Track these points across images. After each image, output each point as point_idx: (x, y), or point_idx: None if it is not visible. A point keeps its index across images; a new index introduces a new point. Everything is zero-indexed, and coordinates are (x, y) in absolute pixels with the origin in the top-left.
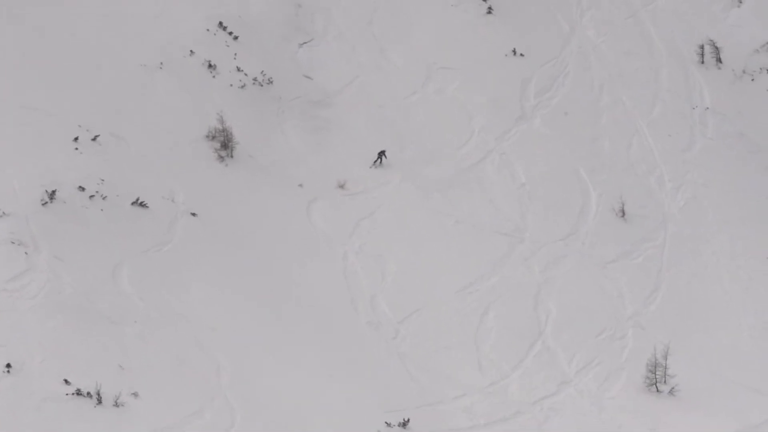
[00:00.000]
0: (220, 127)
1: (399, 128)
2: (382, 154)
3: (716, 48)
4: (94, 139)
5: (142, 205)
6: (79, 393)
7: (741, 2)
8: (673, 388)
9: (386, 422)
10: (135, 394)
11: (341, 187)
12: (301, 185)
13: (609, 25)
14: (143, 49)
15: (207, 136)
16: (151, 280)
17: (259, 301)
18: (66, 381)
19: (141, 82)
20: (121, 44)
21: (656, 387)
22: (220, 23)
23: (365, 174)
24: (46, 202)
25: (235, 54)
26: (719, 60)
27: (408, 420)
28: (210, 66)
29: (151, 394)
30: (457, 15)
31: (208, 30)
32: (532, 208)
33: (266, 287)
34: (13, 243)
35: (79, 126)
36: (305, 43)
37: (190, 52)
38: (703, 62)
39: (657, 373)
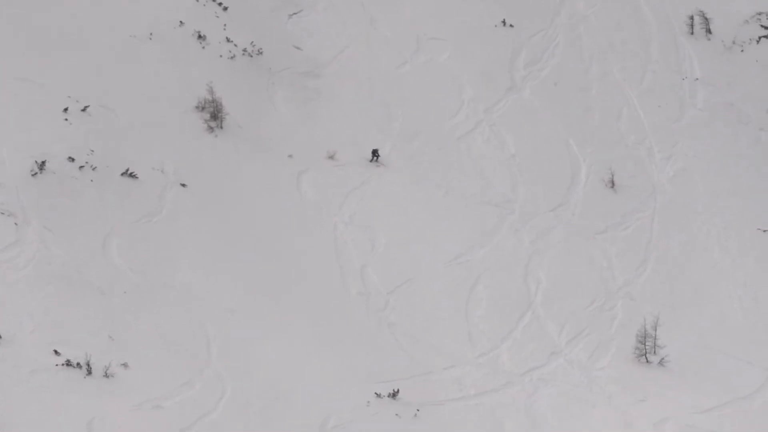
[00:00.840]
0: (210, 98)
1: (388, 99)
2: (375, 152)
3: (706, 19)
4: (83, 110)
5: (132, 175)
6: (68, 364)
7: None
8: (662, 359)
9: (376, 393)
10: (125, 365)
11: (331, 158)
12: (290, 156)
13: None
14: (133, 20)
15: (197, 107)
16: (141, 251)
17: (248, 272)
18: (56, 352)
19: (130, 54)
20: (110, 15)
21: (646, 358)
22: None
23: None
24: (36, 173)
25: (225, 25)
26: (709, 31)
27: (397, 391)
28: (200, 37)
29: (140, 365)
30: None
31: (197, 1)
32: (522, 179)
33: (255, 258)
34: (2, 214)
35: (69, 97)
36: (295, 13)
37: (179, 23)
38: (692, 33)
39: (646, 343)
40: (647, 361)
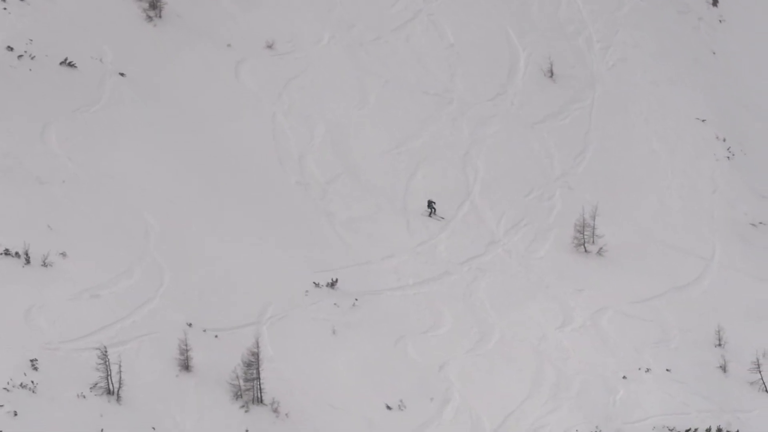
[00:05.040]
0: None
1: None
2: (431, 204)
3: None
4: (22, 0)
5: (71, 65)
6: (7, 253)
7: None
8: (601, 248)
9: (314, 282)
10: (63, 254)
11: (270, 47)
12: (229, 45)
13: None
14: None
15: None
16: (80, 140)
17: (188, 162)
18: None
19: None
20: None
21: (584, 247)
22: None
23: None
24: None
25: None
26: None
27: (336, 280)
28: None
29: (79, 254)
30: None
31: None
32: (461, 68)
33: (195, 147)
34: None
35: None
36: None
37: None
38: None
39: (585, 233)
40: (585, 251)
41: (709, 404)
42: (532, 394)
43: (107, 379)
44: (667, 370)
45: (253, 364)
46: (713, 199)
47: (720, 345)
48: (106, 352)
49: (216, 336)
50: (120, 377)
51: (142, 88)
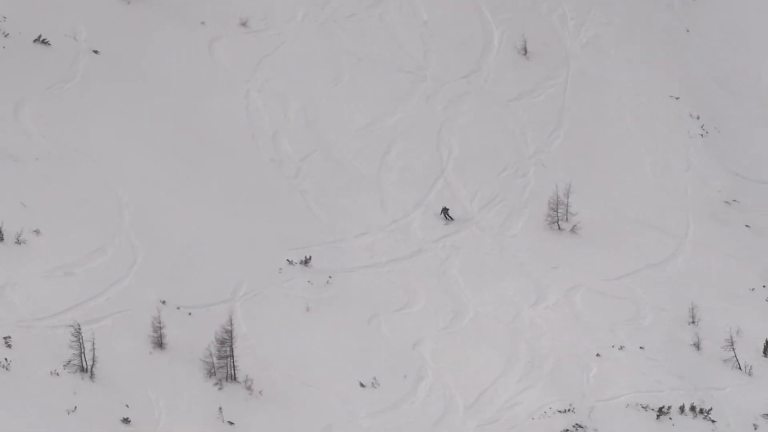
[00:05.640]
0: None
1: None
2: (445, 211)
3: None
4: None
5: (45, 42)
6: None
7: None
8: (574, 226)
9: (288, 260)
10: (37, 232)
11: (243, 24)
12: (203, 23)
13: None
14: None
15: None
16: (54, 118)
17: (161, 139)
18: None
19: None
20: None
21: (558, 225)
22: None
23: (267, 11)
24: None
25: None
26: None
27: (309, 258)
28: None
29: (53, 232)
30: None
31: None
32: (435, 46)
33: (168, 125)
34: None
35: None
36: None
37: None
38: None
39: (558, 211)
40: (559, 229)
41: (682, 382)
42: (506, 372)
43: (81, 357)
44: (641, 347)
45: (226, 342)
46: (687, 176)
47: (693, 323)
48: (79, 329)
49: (190, 313)
50: (93, 354)
51: (115, 65)
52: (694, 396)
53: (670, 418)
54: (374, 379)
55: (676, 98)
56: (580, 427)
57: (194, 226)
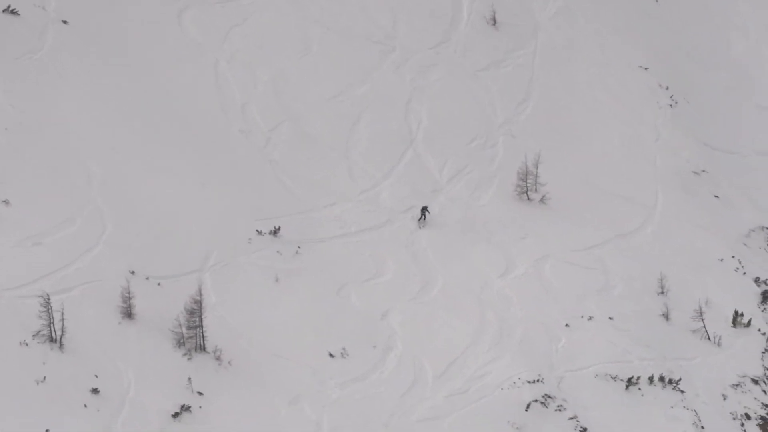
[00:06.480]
0: None
1: None
2: (424, 210)
3: None
4: None
5: (13, 12)
6: None
7: None
8: (543, 196)
9: (257, 230)
10: (6, 202)
11: None
12: None
13: None
14: None
15: None
16: (22, 88)
17: (130, 109)
18: None
19: None
20: None
21: (527, 195)
22: None
23: None
24: None
25: None
26: None
27: (279, 228)
28: None
29: (22, 202)
30: None
31: None
32: (403, 16)
33: (137, 95)
34: None
35: None
36: None
37: None
38: None
39: (528, 181)
40: (528, 199)
41: (651, 352)
42: (475, 342)
43: (50, 327)
44: (610, 318)
45: (195, 312)
46: (656, 147)
47: (663, 293)
48: (48, 299)
49: (159, 284)
50: (63, 325)
51: (84, 35)
52: (663, 366)
53: (639, 389)
54: (343, 349)
55: (645, 69)
56: (549, 397)
57: (163, 196)
